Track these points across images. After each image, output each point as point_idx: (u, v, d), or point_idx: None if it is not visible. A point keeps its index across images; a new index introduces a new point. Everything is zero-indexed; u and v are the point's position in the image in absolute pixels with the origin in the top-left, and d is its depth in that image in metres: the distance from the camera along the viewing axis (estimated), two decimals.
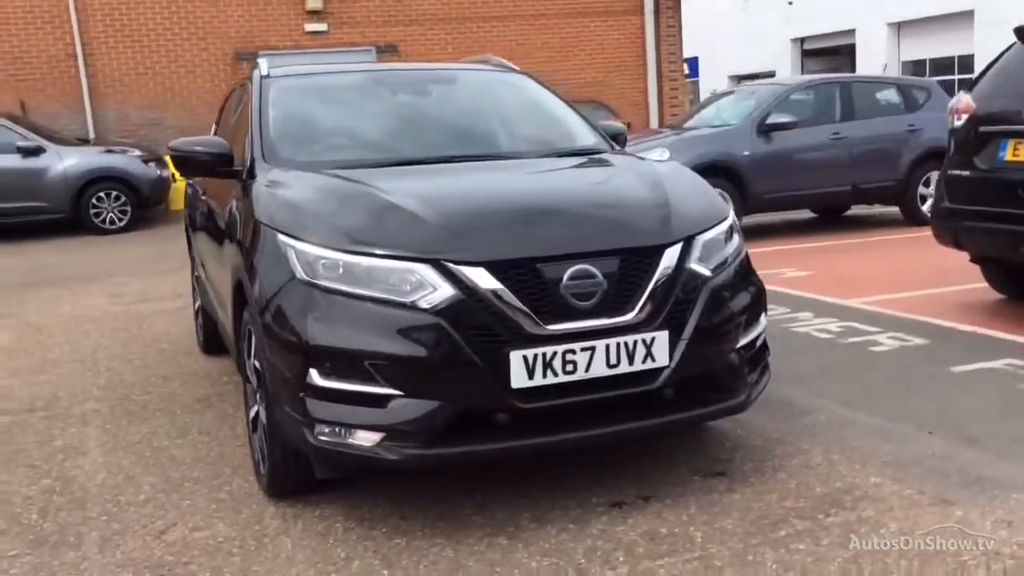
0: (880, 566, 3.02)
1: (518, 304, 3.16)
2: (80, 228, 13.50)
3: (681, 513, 3.45)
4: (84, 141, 14.87)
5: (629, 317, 3.29)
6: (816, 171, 10.78)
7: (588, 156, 4.42)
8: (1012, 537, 3.16)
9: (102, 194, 13.55)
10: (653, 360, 3.32)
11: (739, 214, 10.20)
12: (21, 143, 13.32)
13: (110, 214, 13.57)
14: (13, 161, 13.23)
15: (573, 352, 3.20)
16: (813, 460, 3.91)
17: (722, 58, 35.95)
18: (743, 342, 3.63)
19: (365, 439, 3.18)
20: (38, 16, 15.66)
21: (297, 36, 17.08)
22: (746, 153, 10.40)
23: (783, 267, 8.49)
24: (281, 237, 3.40)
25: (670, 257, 3.40)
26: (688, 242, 3.49)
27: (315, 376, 3.19)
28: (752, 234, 10.38)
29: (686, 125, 11.74)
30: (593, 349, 3.23)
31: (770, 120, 10.50)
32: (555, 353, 3.18)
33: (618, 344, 3.26)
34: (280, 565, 3.20)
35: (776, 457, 3.96)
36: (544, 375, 3.17)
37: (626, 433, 3.50)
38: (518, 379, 3.14)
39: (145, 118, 16.18)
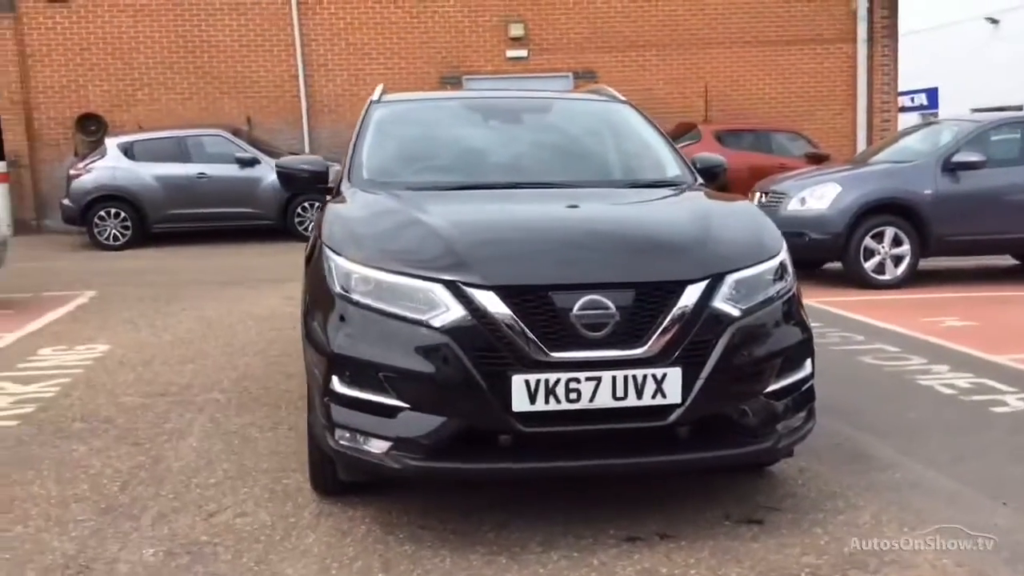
0: None
1: (524, 329, 3.24)
2: (286, 235, 14.57)
3: (690, 555, 3.39)
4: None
5: (639, 351, 3.29)
6: (1012, 214, 9.97)
7: (657, 188, 4.40)
8: None
9: (306, 204, 14.58)
10: (664, 396, 3.29)
11: (917, 256, 9.66)
12: (239, 154, 14.59)
13: (312, 223, 14.58)
14: (231, 171, 14.53)
15: (578, 381, 3.24)
16: (861, 518, 3.71)
17: (966, 89, 33.68)
18: (776, 387, 3.51)
19: (376, 447, 3.36)
20: (267, 40, 17.09)
21: (499, 61, 17.68)
22: (927, 192, 9.78)
23: (947, 315, 7.96)
24: (327, 251, 3.66)
25: (691, 294, 3.36)
26: (717, 280, 3.43)
27: (336, 383, 3.41)
28: (931, 278, 9.79)
29: (871, 160, 11.20)
30: (599, 380, 3.25)
31: (957, 158, 9.83)
32: (558, 380, 3.23)
33: (626, 377, 3.26)
34: (292, 556, 3.43)
35: (823, 511, 3.79)
36: (547, 401, 3.23)
37: (633, 468, 3.48)
38: (519, 403, 3.22)
39: None
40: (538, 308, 3.28)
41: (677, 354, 3.31)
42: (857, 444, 4.60)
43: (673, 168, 4.68)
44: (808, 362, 3.68)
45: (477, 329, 3.25)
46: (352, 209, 3.98)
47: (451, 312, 3.29)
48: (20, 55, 16.49)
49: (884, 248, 9.63)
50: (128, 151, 14.44)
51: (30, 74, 16.61)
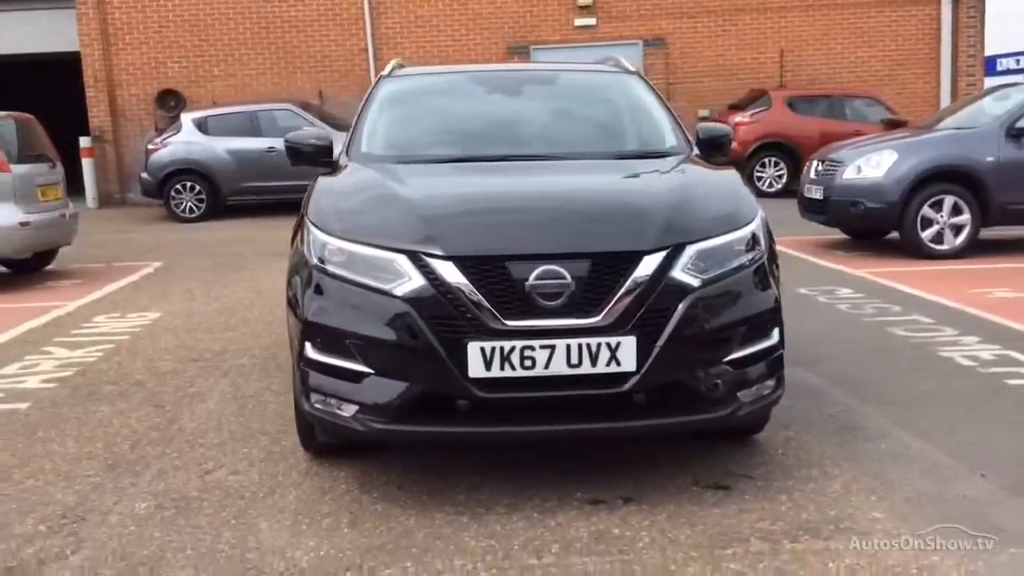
0: None
1: (480, 298, 3.34)
2: None
3: (647, 518, 3.47)
4: None
5: (594, 320, 3.36)
6: None
7: (647, 159, 4.42)
8: None
9: None
10: (618, 364, 3.36)
11: (978, 225, 9.37)
12: (308, 128, 14.93)
13: None
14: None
15: (532, 348, 3.33)
16: (830, 487, 3.73)
17: None
18: (738, 355, 3.55)
19: (346, 410, 3.52)
20: (338, 15, 17.41)
21: (566, 31, 17.63)
22: (990, 159, 9.45)
23: (998, 287, 7.73)
24: (307, 222, 3.82)
25: (648, 264, 3.41)
26: (677, 250, 3.47)
27: (310, 349, 3.59)
28: (993, 249, 9.48)
29: (938, 126, 10.85)
30: (553, 348, 3.34)
31: (1021, 123, 9.46)
32: (513, 348, 3.33)
33: (580, 345, 3.34)
34: (270, 512, 3.63)
35: (794, 479, 3.81)
36: (502, 368, 3.34)
37: (589, 433, 3.58)
38: (476, 369, 3.34)
39: None
40: (495, 278, 3.38)
41: (632, 323, 3.37)
42: (853, 415, 4.58)
43: (669, 139, 4.68)
44: (776, 331, 3.69)
45: (436, 298, 3.37)
46: (337, 183, 4.14)
47: (412, 282, 3.41)
48: (103, 34, 17.16)
49: (943, 217, 9.35)
50: (202, 126, 14.92)
51: (112, 52, 17.27)
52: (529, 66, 6.30)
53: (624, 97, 5.02)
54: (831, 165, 9.98)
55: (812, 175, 10.27)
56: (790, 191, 13.64)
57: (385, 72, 5.25)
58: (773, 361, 3.70)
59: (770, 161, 15.50)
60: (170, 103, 17.27)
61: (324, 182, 4.15)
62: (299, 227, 3.99)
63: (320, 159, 4.73)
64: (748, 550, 3.22)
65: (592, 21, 17.63)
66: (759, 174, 15.45)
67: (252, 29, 17.34)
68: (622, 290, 3.38)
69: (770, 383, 3.70)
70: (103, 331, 7.02)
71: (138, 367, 5.87)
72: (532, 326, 3.35)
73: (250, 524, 3.53)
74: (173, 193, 14.71)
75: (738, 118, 15.71)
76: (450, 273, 3.37)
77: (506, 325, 3.34)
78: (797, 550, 3.21)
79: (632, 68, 5.32)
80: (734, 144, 15.88)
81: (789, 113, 15.72)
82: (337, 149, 4.71)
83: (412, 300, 3.39)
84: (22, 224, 9.23)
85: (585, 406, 3.48)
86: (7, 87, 20.37)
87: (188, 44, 17.30)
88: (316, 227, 3.74)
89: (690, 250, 3.51)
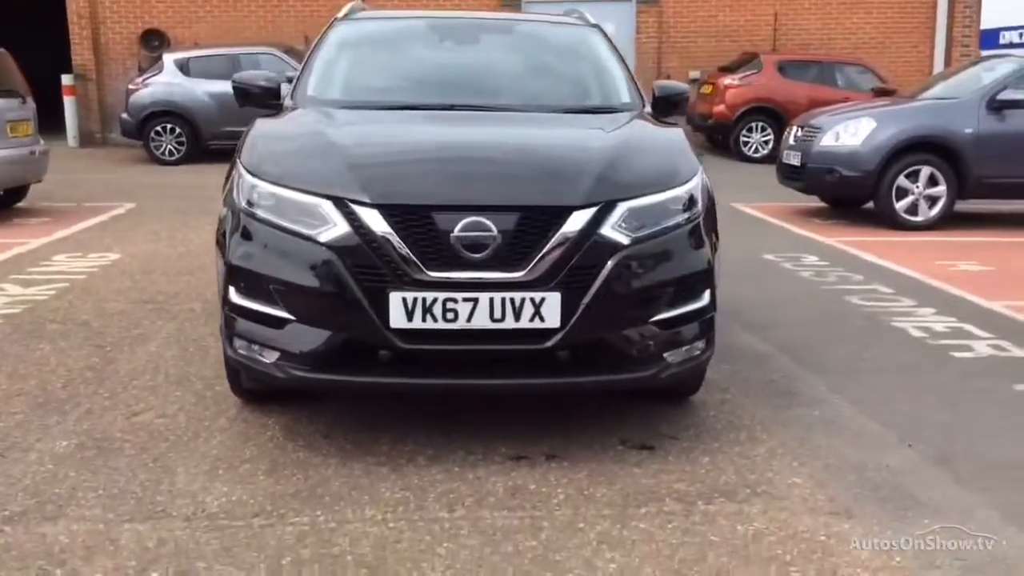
0: (698, 553, 2.90)
1: (403, 248, 3.30)
2: None
3: (565, 475, 3.46)
4: None
5: (519, 274, 3.32)
6: None
7: (595, 114, 4.35)
8: (874, 563, 2.89)
9: None
10: (542, 320, 3.33)
11: (954, 198, 9.31)
12: (290, 73, 14.68)
13: None
14: (285, 89, 14.68)
15: (454, 301, 3.29)
16: (754, 451, 3.72)
17: None
18: (665, 316, 3.51)
19: (268, 356, 3.48)
20: None
21: None
22: (968, 131, 9.36)
23: (965, 260, 7.69)
24: (238, 165, 3.76)
25: (576, 220, 3.36)
26: (608, 207, 3.42)
27: (233, 294, 3.54)
28: (968, 221, 9.43)
29: (921, 96, 10.74)
30: (476, 301, 3.30)
31: (1003, 96, 9.36)
32: (435, 299, 3.29)
33: (503, 299, 3.30)
34: (191, 456, 3.60)
35: (721, 442, 3.80)
36: (424, 319, 3.30)
37: (511, 389, 3.57)
38: (397, 319, 3.30)
39: None
40: (420, 228, 3.33)
41: (558, 279, 3.33)
42: (793, 381, 4.56)
43: (623, 95, 4.60)
44: (707, 292, 3.65)
45: (360, 246, 3.33)
46: (272, 126, 4.07)
47: (337, 228, 3.36)
48: None
49: (918, 188, 9.28)
50: (184, 67, 14.72)
51: None
52: (489, 15, 6.20)
53: (580, 51, 4.92)
54: (810, 131, 9.88)
55: (791, 141, 10.17)
56: (776, 157, 13.53)
57: (340, 15, 5.14)
58: (703, 323, 3.67)
59: (757, 126, 15.35)
60: (154, 43, 17.01)
61: (260, 125, 4.08)
62: (231, 169, 3.93)
63: (267, 101, 4.65)
64: (661, 510, 3.22)
65: None
66: (745, 139, 15.33)
67: None
68: (549, 245, 3.33)
69: (699, 345, 3.67)
70: (60, 270, 6.97)
71: (87, 307, 5.82)
72: (455, 278, 3.31)
73: (168, 467, 3.51)
74: (153, 135, 14.54)
75: (727, 80, 15.57)
76: (374, 221, 3.32)
77: (429, 276, 3.30)
78: (709, 512, 3.21)
79: (593, 22, 5.22)
80: (721, 107, 15.82)
81: (779, 78, 15.54)
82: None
83: (335, 247, 3.34)
84: None
85: (509, 361, 3.45)
86: None
87: None
88: (246, 170, 3.68)
89: (621, 207, 3.45)
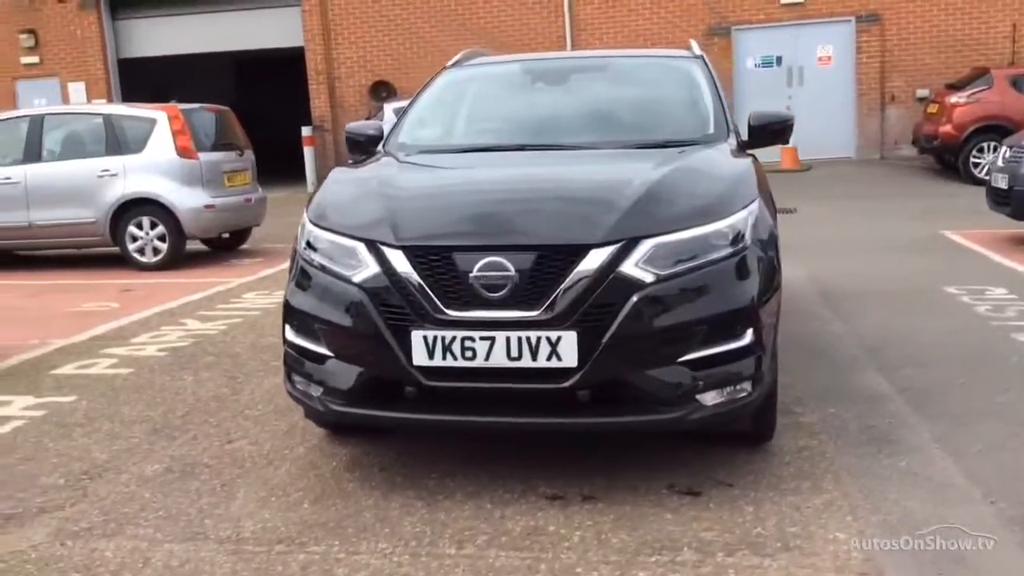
0: None
1: (424, 287, 3.39)
2: None
3: (592, 518, 3.39)
4: None
5: (535, 313, 3.31)
6: None
7: (668, 148, 4.23)
8: None
9: None
10: (559, 359, 3.30)
11: None
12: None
13: None
14: None
15: (472, 340, 3.34)
16: (809, 502, 3.46)
17: None
18: (696, 356, 3.36)
19: (314, 391, 3.68)
20: (538, 2, 17.65)
21: (772, 9, 16.93)
22: None
23: None
24: (305, 212, 4.01)
25: (594, 258, 3.31)
26: (630, 244, 3.35)
27: (288, 331, 3.78)
28: None
29: None
30: (493, 339, 3.33)
31: None
32: (454, 338, 3.35)
33: (520, 338, 3.31)
34: (253, 482, 3.86)
35: (777, 491, 3.57)
36: (444, 357, 3.37)
37: (532, 427, 3.53)
38: (419, 357, 3.39)
39: None
40: (441, 267, 3.41)
41: (575, 318, 3.30)
42: (897, 428, 4.19)
43: (707, 127, 4.47)
44: (749, 331, 3.44)
45: (387, 286, 3.46)
46: (341, 174, 4.29)
47: (368, 269, 3.51)
48: (324, 31, 18.38)
49: None
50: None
51: (332, 47, 18.47)
52: (591, 54, 6.22)
53: (673, 84, 4.84)
54: (1018, 152, 9.01)
55: (1000, 163, 9.32)
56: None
57: (450, 62, 5.35)
58: (747, 364, 3.47)
59: (989, 146, 14.11)
60: (382, 93, 18.24)
61: (332, 173, 4.32)
62: None
63: (371, 148, 4.92)
64: (673, 559, 3.08)
65: None
66: (976, 160, 14.13)
67: (456, 20, 17.96)
68: (565, 284, 3.31)
69: (744, 387, 3.47)
70: (244, 307, 7.63)
71: (245, 342, 6.35)
72: (473, 317, 3.35)
73: (230, 493, 3.78)
74: None
75: (953, 98, 14.45)
76: (399, 262, 3.44)
77: (447, 315, 3.37)
78: (724, 564, 3.03)
79: (697, 53, 5.10)
80: (948, 127, 14.74)
81: (1012, 93, 14.23)
82: None
83: (366, 287, 3.49)
84: (207, 207, 10.18)
85: (531, 400, 3.44)
86: (240, 80, 22.26)
87: (398, 37, 18.20)
88: (306, 214, 3.92)
89: (647, 244, 3.36)
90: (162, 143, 10.12)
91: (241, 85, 24.42)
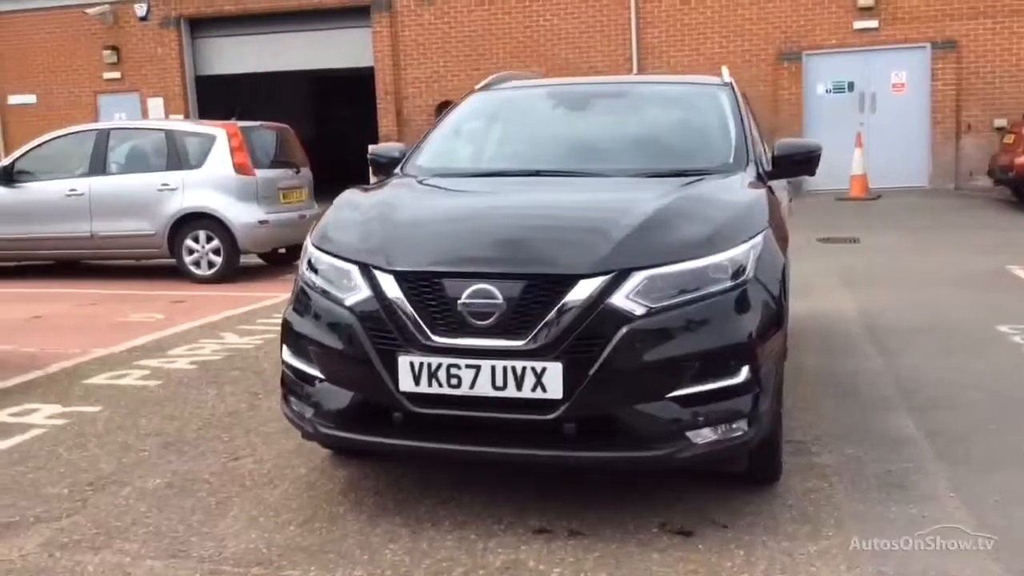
0: None
1: (412, 313, 3.36)
2: None
3: (574, 555, 3.30)
4: None
5: (521, 343, 3.25)
6: None
7: (675, 177, 4.11)
8: None
9: None
10: (544, 391, 3.23)
11: None
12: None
13: None
14: None
15: (458, 367, 3.29)
16: (804, 549, 3.31)
17: None
18: (686, 392, 3.26)
19: (307, 412, 3.67)
20: (606, 25, 17.63)
21: (844, 34, 16.59)
22: None
23: None
24: (308, 235, 4.02)
25: (582, 289, 3.24)
26: (621, 275, 3.27)
27: (285, 351, 3.79)
28: None
29: None
30: (479, 368, 3.27)
31: None
32: (440, 365, 3.31)
33: (505, 367, 3.25)
34: (248, 502, 3.85)
35: (773, 535, 3.43)
36: (429, 384, 3.33)
37: (516, 459, 3.45)
38: (406, 383, 3.35)
39: None
40: (431, 293, 3.38)
41: (561, 349, 3.23)
42: (914, 474, 4.00)
43: (726, 156, 4.36)
44: (745, 368, 3.31)
45: (377, 310, 3.43)
46: (349, 196, 4.28)
47: (360, 293, 3.50)
48: (394, 52, 18.63)
49: None
50: None
51: (401, 67, 18.70)
52: (619, 79, 6.17)
53: (695, 112, 4.74)
54: None
55: None
56: None
57: (479, 85, 5.34)
58: (741, 401, 3.34)
59: None
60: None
61: (341, 195, 4.33)
62: None
63: (391, 170, 4.93)
64: None
65: (874, 23, 16.43)
66: None
67: (524, 43, 18.03)
68: (551, 314, 3.24)
69: (739, 425, 3.35)
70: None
71: (274, 357, 6.34)
72: (459, 344, 3.31)
73: (223, 511, 3.78)
74: None
75: None
76: (390, 286, 3.42)
77: (435, 341, 3.33)
78: None
79: (726, 80, 4.98)
80: (1020, 160, 14.22)
81: None
82: None
83: (357, 311, 3.47)
84: (261, 222, 10.36)
85: (516, 431, 3.37)
86: (316, 98, 22.70)
87: (465, 59, 18.33)
88: (308, 237, 3.93)
89: (639, 276, 3.28)
90: (220, 159, 10.35)
91: (317, 103, 24.92)
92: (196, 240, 10.33)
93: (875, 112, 16.80)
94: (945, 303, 7.90)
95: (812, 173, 4.63)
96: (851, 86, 16.93)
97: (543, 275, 3.31)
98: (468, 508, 3.70)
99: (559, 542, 3.41)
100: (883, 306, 7.74)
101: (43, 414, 5.17)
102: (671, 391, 3.26)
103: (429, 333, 3.34)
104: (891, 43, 16.31)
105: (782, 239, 3.87)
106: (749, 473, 3.81)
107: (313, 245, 3.84)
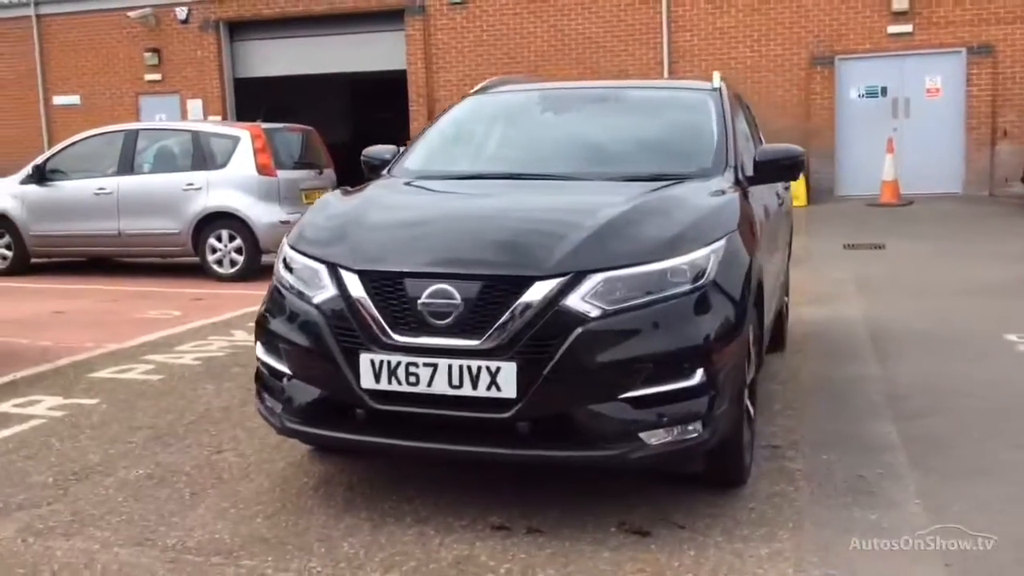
0: None
1: (374, 311, 3.44)
2: None
3: (528, 551, 3.34)
4: None
5: (477, 342, 3.31)
6: None
7: (648, 181, 4.13)
8: None
9: None
10: (499, 390, 3.28)
11: None
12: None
13: None
14: None
15: (416, 365, 3.36)
16: (755, 551, 3.32)
17: None
18: (639, 393, 3.29)
19: (276, 408, 3.76)
20: (637, 29, 17.62)
21: (878, 38, 16.40)
22: None
23: None
24: (286, 234, 4.12)
25: (538, 290, 3.29)
26: (577, 277, 3.31)
27: (259, 348, 3.88)
28: None
29: None
30: (436, 366, 3.34)
31: None
32: (399, 363, 3.38)
33: (461, 366, 3.31)
34: (222, 494, 3.95)
35: (729, 536, 3.44)
36: (389, 381, 3.40)
37: (472, 456, 3.50)
38: (367, 380, 3.43)
39: None
40: (392, 293, 3.45)
41: (516, 349, 3.28)
42: (885, 479, 3.98)
43: (704, 161, 4.37)
44: (699, 371, 3.34)
45: (341, 308, 3.51)
46: (329, 198, 4.38)
47: (327, 292, 3.58)
48: (426, 55, 18.78)
49: None
50: None
51: (433, 70, 18.85)
52: (612, 84, 6.20)
53: (681, 116, 4.76)
54: None
55: None
56: None
57: (474, 89, 5.40)
58: (696, 404, 3.37)
59: None
60: None
61: (322, 196, 4.42)
62: None
63: (382, 172, 5.01)
64: None
65: (908, 28, 16.23)
66: None
67: (555, 46, 18.07)
68: (507, 314, 3.30)
69: (694, 427, 3.37)
70: None
71: None
72: (417, 343, 3.38)
73: (196, 502, 3.88)
74: None
75: None
76: (354, 285, 3.50)
77: (394, 340, 3.40)
78: None
79: (715, 86, 4.99)
80: None
81: None
82: None
83: (323, 309, 3.56)
84: (282, 222, 10.49)
85: (472, 429, 3.43)
86: (354, 100, 22.98)
87: (498, 62, 18.41)
88: (285, 237, 4.03)
89: (595, 278, 3.32)
90: (244, 160, 10.55)
91: (353, 105, 25.17)
92: (219, 239, 10.53)
93: (908, 117, 16.59)
94: (956, 311, 7.81)
95: (795, 178, 4.63)
96: (884, 91, 16.73)
97: (499, 276, 3.37)
98: (433, 505, 3.76)
99: (515, 539, 3.46)
100: (891, 314, 7.67)
101: (45, 405, 5.33)
102: (624, 392, 3.30)
103: (390, 332, 3.41)
104: (926, 48, 16.10)
105: (766, 244, 3.89)
106: (707, 475, 3.82)
107: (288, 245, 3.93)
